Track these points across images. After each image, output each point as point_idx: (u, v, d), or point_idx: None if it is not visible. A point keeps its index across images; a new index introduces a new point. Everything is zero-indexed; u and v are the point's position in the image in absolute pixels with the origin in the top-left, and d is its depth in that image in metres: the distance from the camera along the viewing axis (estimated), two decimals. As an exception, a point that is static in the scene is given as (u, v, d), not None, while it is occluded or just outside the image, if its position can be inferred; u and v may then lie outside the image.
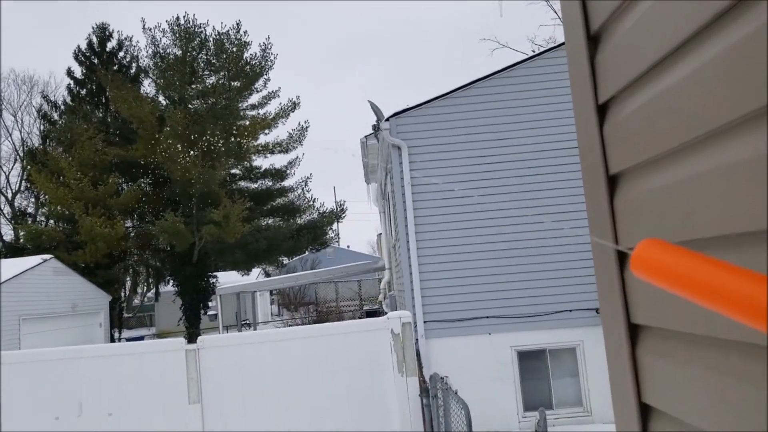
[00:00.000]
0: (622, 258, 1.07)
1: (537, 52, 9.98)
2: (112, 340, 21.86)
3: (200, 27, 22.60)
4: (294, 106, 23.79)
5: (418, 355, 7.67)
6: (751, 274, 0.40)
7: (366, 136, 11.16)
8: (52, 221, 24.53)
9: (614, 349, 1.16)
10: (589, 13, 1.06)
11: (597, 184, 1.08)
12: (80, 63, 26.43)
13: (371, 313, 17.73)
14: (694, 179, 0.81)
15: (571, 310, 8.19)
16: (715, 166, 0.76)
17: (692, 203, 0.82)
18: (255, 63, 23.12)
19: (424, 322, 8.41)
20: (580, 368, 8.44)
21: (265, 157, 24.43)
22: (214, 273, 23.39)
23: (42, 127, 28.37)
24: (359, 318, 19.21)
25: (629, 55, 0.94)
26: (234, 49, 22.61)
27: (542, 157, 8.46)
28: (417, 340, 7.98)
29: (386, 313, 8.13)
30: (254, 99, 23.78)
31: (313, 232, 24.13)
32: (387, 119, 8.87)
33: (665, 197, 0.89)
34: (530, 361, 8.51)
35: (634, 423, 1.10)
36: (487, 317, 8.44)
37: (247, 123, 22.91)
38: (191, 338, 6.35)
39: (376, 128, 9.43)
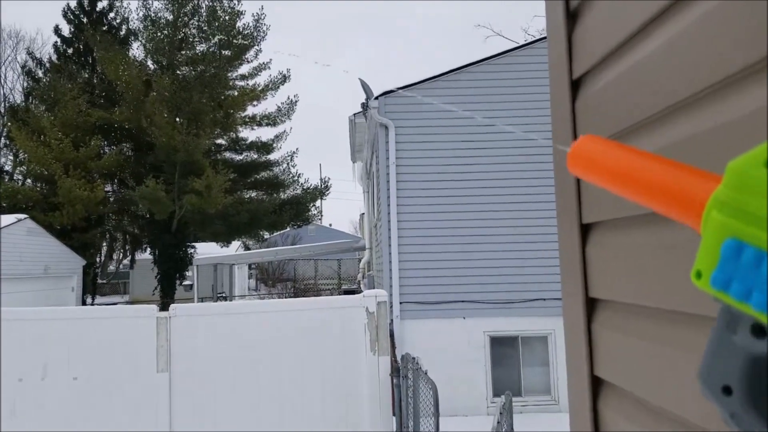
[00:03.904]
0: (585, 233, 1.09)
1: (527, 41, 9.97)
2: (84, 305, 21.60)
3: (193, -8, 22.10)
4: (284, 78, 23.50)
5: (392, 335, 7.74)
6: (689, 168, 0.39)
7: (355, 114, 11.10)
8: (29, 180, 24.04)
9: (571, 322, 1.18)
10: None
11: (564, 159, 1.09)
12: (69, 21, 25.73)
13: (349, 292, 17.81)
14: (670, 148, 0.82)
15: (545, 299, 8.31)
16: (680, 138, 0.77)
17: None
18: (247, 33, 22.72)
19: (401, 303, 8.48)
20: (551, 357, 8.61)
21: (252, 129, 24.17)
22: (193, 243, 23.21)
23: (26, 84, 27.64)
24: (338, 296, 19.24)
25: (603, 31, 0.95)
26: (227, 18, 22.18)
27: (526, 146, 8.51)
28: (392, 320, 8.05)
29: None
30: (244, 69, 23.43)
31: (296, 208, 24.02)
32: (376, 98, 8.83)
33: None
34: (502, 348, 8.65)
35: (586, 396, 1.13)
36: (463, 301, 8.53)
37: (236, 93, 22.59)
38: (164, 307, 6.29)
39: (364, 106, 9.38)
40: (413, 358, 5.89)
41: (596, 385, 1.11)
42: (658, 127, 0.81)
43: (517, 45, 9.77)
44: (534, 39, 10.63)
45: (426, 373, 4.96)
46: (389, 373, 6.26)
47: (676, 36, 0.76)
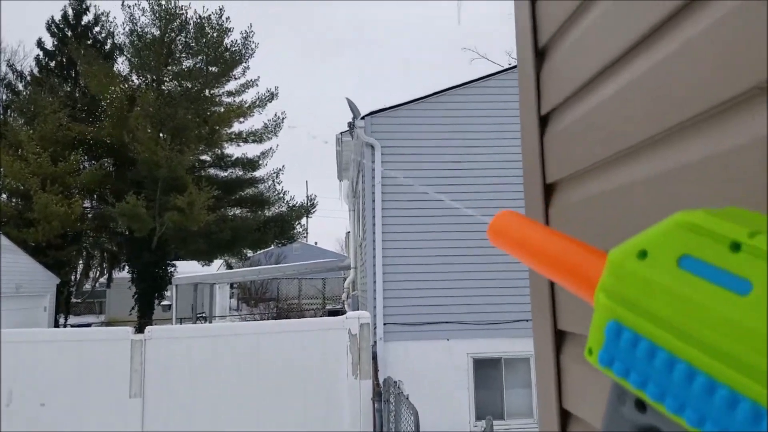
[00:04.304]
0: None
1: (511, 65, 10.17)
2: (57, 325, 21.01)
3: (181, 9, 22.16)
4: (272, 96, 23.55)
5: (375, 357, 7.68)
6: (588, 247, 0.42)
7: (341, 133, 11.14)
8: (4, 195, 23.60)
9: (541, 354, 1.19)
10: (538, 29, 1.10)
11: (534, 192, 1.11)
12: (52, 34, 25.59)
13: (333, 313, 17.67)
14: (618, 191, 0.85)
15: (528, 320, 8.33)
16: (638, 178, 0.79)
17: (617, 213, 0.85)
18: (235, 50, 22.80)
19: (384, 324, 8.44)
20: (533, 379, 8.60)
21: (238, 145, 24.10)
22: (173, 262, 22.88)
23: (4, 97, 27.32)
24: (321, 317, 19.09)
25: (569, 70, 0.98)
26: (214, 34, 22.25)
27: (508, 167, 8.61)
28: (375, 342, 7.99)
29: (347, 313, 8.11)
30: (231, 86, 23.45)
31: (281, 226, 23.87)
32: (363, 117, 8.90)
33: (593, 207, 0.92)
34: (485, 369, 8.63)
35: (555, 427, 1.13)
36: (447, 322, 8.52)
37: (222, 110, 22.56)
38: (141, 328, 6.15)
39: (351, 125, 9.44)
40: (395, 382, 5.84)
41: (564, 417, 1.11)
42: (616, 167, 0.84)
43: (501, 69, 9.95)
44: (514, 64, 10.84)
45: (407, 398, 4.92)
46: (371, 397, 6.19)
47: (630, 83, 0.79)
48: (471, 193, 8.70)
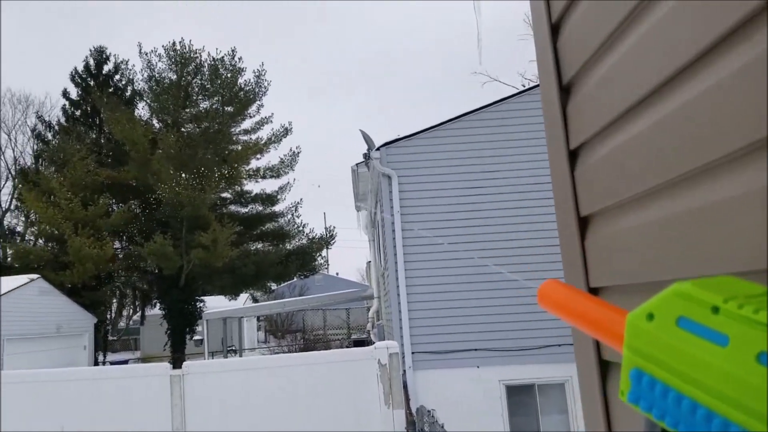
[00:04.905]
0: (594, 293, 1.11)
1: (526, 87, 10.22)
2: (96, 363, 21.44)
3: (196, 52, 22.89)
4: (286, 131, 23.98)
5: (405, 386, 7.60)
6: (615, 309, 0.53)
7: (357, 164, 11.25)
8: (40, 241, 24.28)
9: (586, 384, 1.19)
10: (562, 66, 1.13)
11: (569, 225, 1.13)
12: (76, 84, 26.61)
13: (359, 342, 17.58)
14: (656, 223, 0.86)
15: (560, 345, 8.18)
16: (676, 211, 0.81)
17: (654, 246, 0.87)
18: (249, 89, 23.38)
19: (412, 353, 8.36)
20: (569, 405, 8.39)
21: (256, 181, 24.48)
22: (202, 297, 23.15)
23: (35, 147, 28.33)
24: (347, 347, 18.98)
25: (597, 105, 1.01)
26: (228, 75, 22.86)
27: (530, 190, 8.58)
28: (404, 371, 7.92)
29: (374, 343, 8.08)
30: (247, 124, 23.96)
31: (302, 258, 24.02)
32: (378, 148, 8.98)
33: (629, 239, 0.94)
34: (519, 396, 8.45)
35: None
36: (476, 350, 8.40)
37: (239, 148, 23.02)
38: (176, 363, 6.25)
39: (366, 157, 9.53)
40: (429, 411, 5.77)
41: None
42: (653, 200, 0.86)
43: (515, 92, 10.00)
44: (531, 85, 10.89)
45: (442, 427, 4.86)
46: (404, 426, 6.12)
47: (663, 118, 0.81)
48: (492, 218, 8.67)
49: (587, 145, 1.06)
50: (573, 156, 1.11)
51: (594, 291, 1.12)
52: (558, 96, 1.14)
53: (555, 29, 1.16)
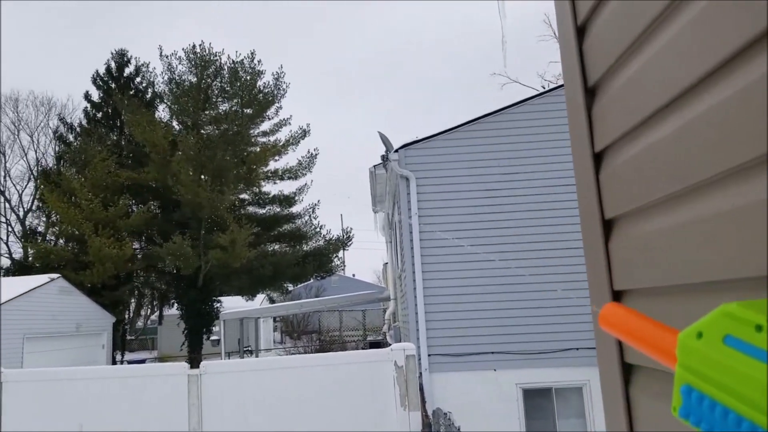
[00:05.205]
0: (616, 299, 1.11)
1: (546, 88, 10.14)
2: (114, 362, 21.78)
3: (215, 55, 23.17)
4: (304, 133, 24.14)
5: (421, 389, 7.58)
6: (667, 328, 0.57)
7: (375, 166, 11.27)
8: (61, 241, 24.75)
9: (609, 387, 1.19)
10: (587, 68, 1.13)
11: (593, 228, 1.13)
12: (98, 87, 27.09)
13: (375, 344, 17.59)
14: (682, 226, 0.86)
15: (578, 348, 8.10)
16: (703, 214, 0.81)
17: (680, 249, 0.86)
18: (268, 91, 23.58)
19: (429, 355, 8.34)
20: (587, 408, 8.30)
21: (275, 183, 24.69)
22: (219, 297, 23.38)
23: (57, 148, 28.88)
24: (363, 348, 19.02)
25: (623, 108, 1.00)
26: (248, 77, 23.10)
27: (550, 193, 8.51)
28: (421, 373, 7.90)
29: (390, 345, 8.08)
30: (265, 126, 24.19)
31: (319, 259, 24.14)
32: (396, 150, 8.99)
33: (656, 241, 0.94)
34: (536, 400, 8.38)
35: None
36: (493, 353, 8.36)
37: (258, 149, 23.24)
38: (193, 363, 6.32)
39: (384, 159, 9.54)
40: (445, 414, 5.75)
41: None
42: (681, 203, 0.85)
43: (535, 93, 9.93)
44: (551, 87, 10.81)
45: (459, 429, 4.84)
46: (420, 428, 6.11)
47: (691, 121, 0.81)
48: (511, 220, 8.63)
49: (612, 147, 1.05)
50: (598, 159, 1.11)
51: (618, 294, 1.11)
52: (583, 98, 1.14)
53: (581, 31, 1.15)
